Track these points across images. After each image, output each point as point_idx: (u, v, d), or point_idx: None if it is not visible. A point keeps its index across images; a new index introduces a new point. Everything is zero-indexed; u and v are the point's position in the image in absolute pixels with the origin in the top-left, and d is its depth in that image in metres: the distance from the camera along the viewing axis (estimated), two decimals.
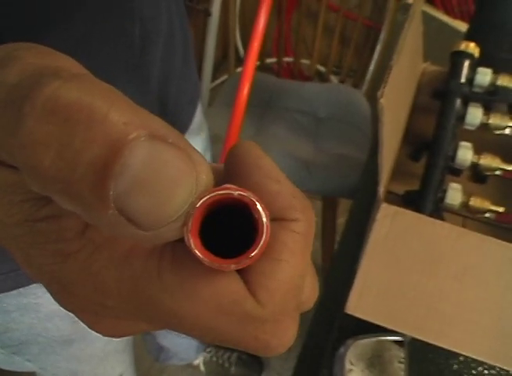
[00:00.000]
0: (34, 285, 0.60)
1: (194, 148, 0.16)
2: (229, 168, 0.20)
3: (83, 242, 0.18)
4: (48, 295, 0.64)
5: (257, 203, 0.17)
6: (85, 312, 0.20)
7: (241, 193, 0.17)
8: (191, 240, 0.16)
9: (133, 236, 0.15)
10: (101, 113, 0.14)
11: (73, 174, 0.14)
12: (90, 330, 0.67)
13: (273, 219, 0.18)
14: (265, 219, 0.17)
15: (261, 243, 0.17)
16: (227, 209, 0.18)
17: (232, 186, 0.17)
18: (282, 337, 0.18)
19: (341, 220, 1.60)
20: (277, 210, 0.19)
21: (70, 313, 0.67)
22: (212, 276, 0.17)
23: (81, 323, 0.71)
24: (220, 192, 0.16)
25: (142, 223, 0.15)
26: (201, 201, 0.16)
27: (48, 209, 0.18)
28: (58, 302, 0.21)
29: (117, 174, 0.14)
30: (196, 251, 0.16)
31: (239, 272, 0.18)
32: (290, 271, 0.18)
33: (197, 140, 0.80)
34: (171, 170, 0.15)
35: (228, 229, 0.20)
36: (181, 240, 0.17)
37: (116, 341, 0.82)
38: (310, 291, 0.21)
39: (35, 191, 0.17)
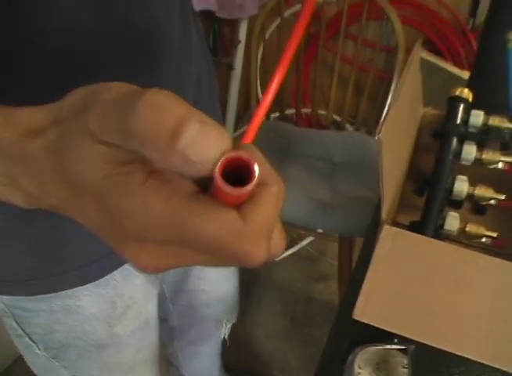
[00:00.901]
0: (78, 288, 0.69)
1: (225, 130, 0.27)
2: None
3: (143, 188, 0.28)
4: (89, 298, 0.74)
5: (254, 161, 0.27)
6: (132, 246, 0.30)
7: (246, 155, 0.27)
8: (217, 175, 0.26)
9: (187, 172, 0.26)
10: (175, 107, 0.26)
11: (160, 135, 0.25)
12: (123, 337, 0.78)
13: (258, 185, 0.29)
14: (257, 170, 0.27)
15: (255, 179, 0.27)
16: (233, 174, 0.28)
17: (242, 151, 0.27)
18: (258, 250, 0.28)
19: None
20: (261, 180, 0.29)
21: (107, 318, 0.78)
22: (223, 208, 0.27)
23: (116, 328, 0.81)
24: (235, 152, 0.27)
25: (194, 163, 0.25)
26: (225, 156, 0.26)
27: (123, 168, 0.28)
28: (111, 241, 0.30)
29: (182, 136, 0.25)
30: (220, 181, 0.26)
31: (237, 209, 0.28)
32: (265, 211, 0.28)
33: None
34: (210, 138, 0.26)
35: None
36: (205, 190, 0.29)
37: (146, 351, 0.89)
38: (278, 241, 0.31)
39: (120, 157, 0.28)
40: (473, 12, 2.07)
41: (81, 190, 0.30)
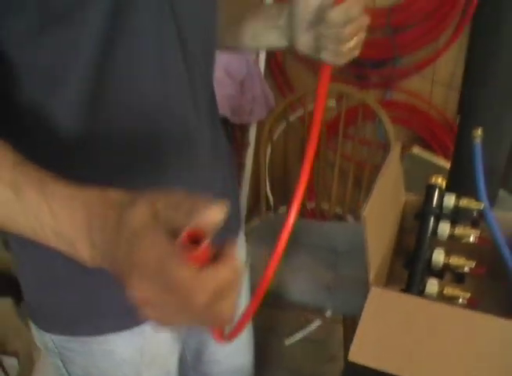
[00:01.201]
0: (115, 334, 0.83)
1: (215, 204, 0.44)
2: None
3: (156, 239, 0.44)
4: (123, 344, 0.91)
5: (207, 235, 0.43)
6: (135, 276, 0.44)
7: (201, 231, 0.42)
8: (181, 239, 0.42)
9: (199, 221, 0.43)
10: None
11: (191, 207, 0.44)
12: None
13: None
14: (207, 241, 0.42)
15: (203, 244, 0.42)
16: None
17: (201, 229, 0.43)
18: (199, 296, 0.43)
19: None
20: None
21: (136, 365, 0.94)
22: (187, 264, 0.42)
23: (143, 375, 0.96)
24: (195, 227, 0.42)
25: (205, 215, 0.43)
26: (188, 228, 0.42)
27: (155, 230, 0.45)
28: (124, 272, 0.46)
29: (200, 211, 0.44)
30: (180, 243, 0.42)
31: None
32: (213, 275, 0.43)
33: None
34: (210, 206, 0.43)
35: None
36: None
37: None
38: (226, 308, 0.45)
39: (158, 227, 0.45)
40: (460, 109, 2.26)
41: (126, 239, 0.45)
